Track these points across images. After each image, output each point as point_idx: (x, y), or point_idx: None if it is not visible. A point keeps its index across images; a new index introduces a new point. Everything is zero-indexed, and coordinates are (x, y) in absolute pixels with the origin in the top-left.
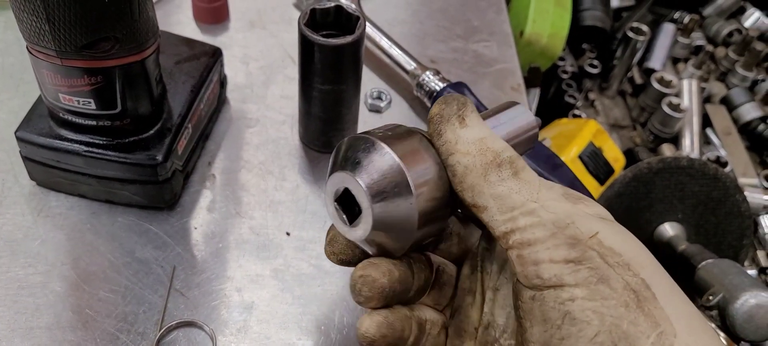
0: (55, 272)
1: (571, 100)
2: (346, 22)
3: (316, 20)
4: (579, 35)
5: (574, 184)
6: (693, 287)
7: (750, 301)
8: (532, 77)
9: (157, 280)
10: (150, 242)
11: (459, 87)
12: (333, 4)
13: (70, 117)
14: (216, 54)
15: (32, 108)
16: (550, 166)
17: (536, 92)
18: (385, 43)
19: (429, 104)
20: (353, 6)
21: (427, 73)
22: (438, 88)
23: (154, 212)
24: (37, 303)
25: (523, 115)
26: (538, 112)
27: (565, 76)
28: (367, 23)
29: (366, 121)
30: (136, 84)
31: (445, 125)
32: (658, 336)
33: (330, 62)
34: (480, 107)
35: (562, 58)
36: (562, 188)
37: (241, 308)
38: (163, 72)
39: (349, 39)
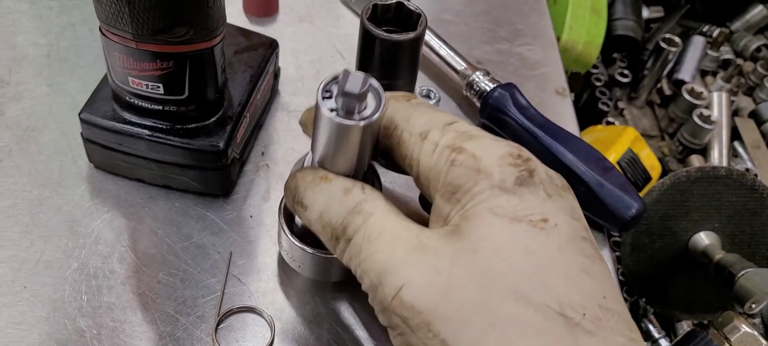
0: (114, 253)
1: (605, 108)
2: (407, 18)
3: (377, 15)
4: (610, 44)
5: (626, 187)
6: (733, 296)
7: None
8: (573, 83)
9: (215, 265)
10: (207, 228)
11: (509, 88)
12: (394, 1)
13: (136, 101)
14: (272, 46)
15: (95, 90)
16: (601, 169)
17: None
18: (435, 42)
19: (478, 104)
20: (413, 3)
21: (478, 73)
22: (488, 89)
23: (210, 199)
24: (98, 284)
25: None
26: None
27: (598, 83)
28: None
29: None
30: (204, 71)
31: (299, 213)
32: None
33: (389, 57)
34: (529, 107)
35: (595, 66)
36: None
37: (298, 297)
38: None
39: (411, 35)
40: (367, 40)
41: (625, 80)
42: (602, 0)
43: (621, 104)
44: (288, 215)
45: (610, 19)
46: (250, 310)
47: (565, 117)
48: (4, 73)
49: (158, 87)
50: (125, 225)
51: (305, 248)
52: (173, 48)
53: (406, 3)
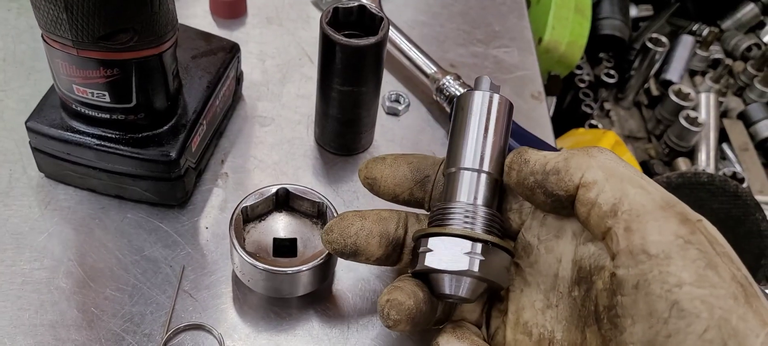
0: (61, 267)
1: (588, 110)
2: (369, 22)
3: (338, 19)
4: (596, 44)
5: None
6: None
7: None
8: (552, 85)
9: (166, 280)
10: (160, 241)
11: None
12: (356, 4)
13: (83, 109)
14: (233, 50)
15: (44, 98)
16: None
17: (552, 101)
18: (405, 45)
19: (448, 109)
20: (375, 6)
21: (448, 77)
22: (458, 93)
23: (165, 210)
24: (42, 299)
25: (493, 105)
26: (554, 121)
27: (582, 85)
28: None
29: (383, 125)
30: (152, 78)
31: (527, 154)
32: (767, 336)
33: (351, 63)
34: None
35: (579, 67)
36: None
37: (251, 312)
38: (179, 66)
39: (371, 40)
40: (327, 45)
41: (612, 81)
42: None
43: (607, 105)
44: (239, 230)
45: (597, 19)
46: (199, 327)
47: (540, 122)
48: None
49: (104, 95)
50: (74, 238)
51: (256, 263)
52: (117, 55)
53: (368, 6)
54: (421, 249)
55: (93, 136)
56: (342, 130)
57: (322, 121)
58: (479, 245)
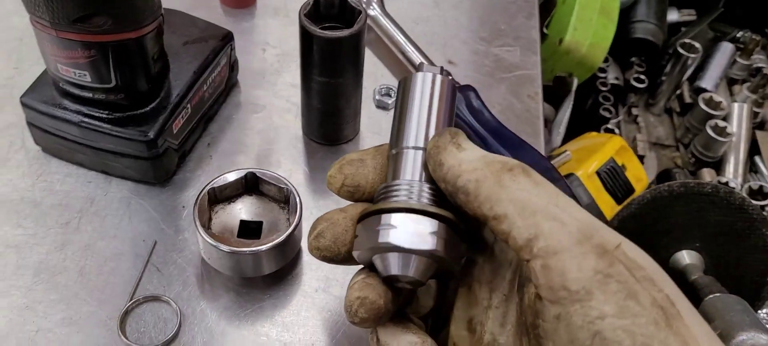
0: (42, 235)
1: (607, 114)
2: (350, 15)
3: (319, 11)
4: (628, 47)
5: None
6: None
7: (746, 342)
8: (559, 86)
9: (138, 254)
10: (137, 216)
11: (465, 90)
12: None
13: (69, 88)
14: (226, 38)
15: (40, 76)
16: (547, 179)
17: (569, 103)
18: (399, 38)
19: None
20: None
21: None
22: None
23: (148, 187)
24: (20, 263)
25: (436, 85)
26: (570, 124)
27: (604, 88)
28: (384, 17)
29: (371, 117)
30: (131, 61)
31: (444, 154)
32: None
33: (328, 55)
34: (484, 111)
35: (603, 70)
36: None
37: (213, 290)
38: (169, 51)
39: (346, 32)
40: (304, 37)
41: (642, 86)
42: (614, 1)
43: (635, 111)
44: (203, 210)
45: (630, 21)
46: (158, 299)
47: (532, 122)
48: None
49: (85, 75)
50: (57, 208)
51: (213, 242)
52: (93, 37)
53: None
54: (381, 225)
55: (78, 113)
56: (323, 120)
57: (306, 112)
58: (395, 216)
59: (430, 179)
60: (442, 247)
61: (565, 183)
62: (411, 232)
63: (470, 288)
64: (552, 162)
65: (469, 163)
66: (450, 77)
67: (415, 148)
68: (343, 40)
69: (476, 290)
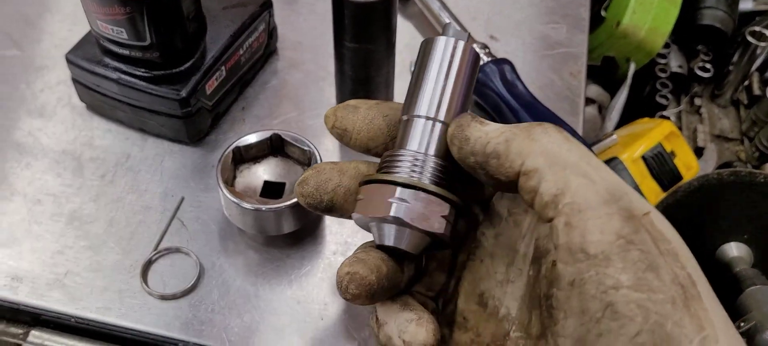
0: (78, 186)
1: (663, 102)
2: None
3: None
4: (695, 34)
5: None
6: (733, 311)
7: None
8: (607, 68)
9: (166, 209)
10: (168, 173)
11: (501, 63)
12: None
13: (108, 45)
14: (265, 5)
15: (85, 36)
16: None
17: (625, 88)
18: (436, 7)
19: None
20: None
21: (474, 46)
22: (480, 63)
23: (181, 146)
24: (55, 210)
25: (457, 53)
26: (625, 110)
27: (662, 75)
28: None
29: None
30: (166, 19)
31: (468, 130)
32: (701, 341)
33: (358, 21)
34: (518, 83)
35: (663, 56)
36: None
37: (233, 246)
38: (207, 14)
39: None
40: (336, 3)
41: (706, 75)
42: None
43: (698, 101)
44: (227, 168)
45: (698, 7)
46: (180, 251)
47: (572, 100)
48: (34, 18)
49: (122, 32)
50: (96, 162)
51: (239, 201)
52: None
53: None
54: (390, 196)
55: (117, 70)
56: (355, 88)
57: (338, 79)
58: (408, 191)
59: (438, 154)
60: (449, 231)
61: None
62: (421, 212)
63: (482, 262)
64: (597, 145)
65: (495, 131)
66: (473, 45)
67: (427, 118)
68: (374, 5)
69: (488, 264)
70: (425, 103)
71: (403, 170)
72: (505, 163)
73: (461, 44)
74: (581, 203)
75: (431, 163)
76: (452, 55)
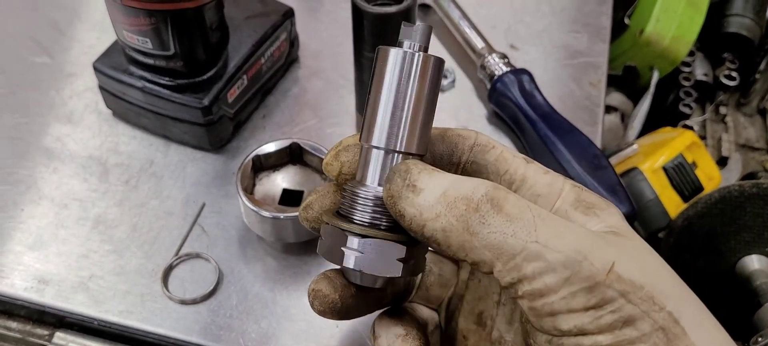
0: (103, 191)
1: (687, 110)
2: None
3: None
4: (721, 42)
5: (615, 189)
6: (751, 326)
7: None
8: (628, 77)
9: (188, 214)
10: (190, 179)
11: (520, 73)
12: None
13: (133, 54)
14: (287, 14)
15: (112, 44)
16: (592, 166)
17: (648, 97)
18: (456, 17)
19: (489, 87)
20: None
21: (494, 55)
22: (498, 73)
23: (203, 153)
24: (81, 215)
25: (414, 68)
26: (648, 119)
27: (687, 83)
28: None
29: None
30: (190, 30)
31: (401, 204)
32: None
33: (377, 30)
34: (536, 94)
35: (687, 64)
36: (573, 188)
37: (252, 252)
38: (230, 24)
39: (395, 8)
40: (356, 13)
41: (732, 84)
42: None
43: (723, 110)
44: (246, 176)
45: (724, 15)
46: (200, 257)
47: (591, 110)
48: (64, 25)
49: (146, 41)
50: (120, 167)
51: (258, 209)
52: (153, 5)
53: None
54: (345, 246)
55: (142, 78)
56: None
57: (358, 88)
58: (404, 249)
59: None
60: (406, 271)
61: (612, 171)
62: (374, 259)
63: (480, 281)
64: (618, 154)
65: (430, 209)
66: (432, 56)
67: (386, 150)
68: (392, 16)
69: (486, 284)
70: (383, 133)
71: (359, 213)
72: (449, 252)
73: (419, 57)
74: (541, 288)
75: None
76: (410, 71)
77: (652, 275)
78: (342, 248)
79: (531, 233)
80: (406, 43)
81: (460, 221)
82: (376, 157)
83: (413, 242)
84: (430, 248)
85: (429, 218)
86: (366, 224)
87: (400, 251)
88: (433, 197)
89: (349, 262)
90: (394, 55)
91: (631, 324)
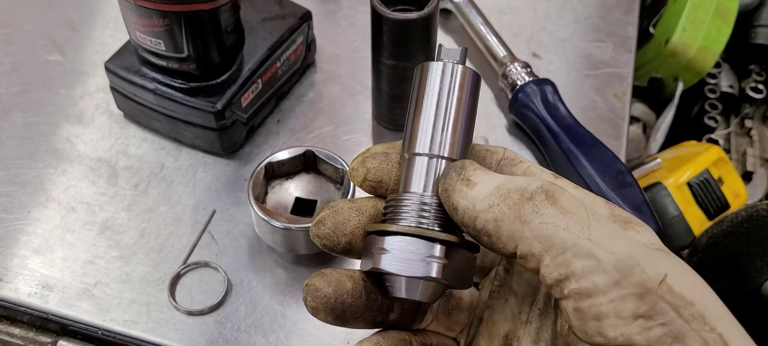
0: (111, 194)
1: (712, 123)
2: None
3: None
4: (748, 53)
5: (640, 206)
6: None
7: None
8: (654, 88)
9: (197, 221)
10: (201, 185)
11: (542, 84)
12: None
13: (146, 56)
14: (304, 17)
15: (124, 45)
16: (617, 183)
17: (672, 108)
18: (478, 23)
19: (510, 96)
20: None
21: (516, 64)
22: (521, 82)
23: (215, 158)
24: (88, 219)
25: (455, 79)
26: (671, 132)
27: (712, 95)
28: (468, 6)
29: None
30: (204, 32)
31: (455, 196)
32: None
33: (397, 37)
34: (559, 106)
35: (713, 75)
36: (606, 204)
37: (262, 262)
38: (246, 26)
39: (416, 14)
40: (375, 18)
41: (759, 96)
42: (732, 2)
43: (749, 123)
44: (258, 184)
45: (752, 25)
46: (209, 266)
47: (614, 122)
48: (78, 23)
49: (160, 43)
50: (130, 170)
51: (269, 219)
52: (167, 6)
53: None
54: (375, 248)
55: (154, 80)
56: (391, 105)
57: (375, 95)
58: (437, 247)
59: None
60: (442, 271)
61: (638, 188)
62: (404, 258)
63: (506, 301)
64: (640, 168)
65: (483, 201)
66: (471, 69)
67: (429, 155)
68: (413, 22)
69: (513, 303)
70: (422, 140)
71: (410, 218)
72: (498, 244)
73: (459, 68)
74: (589, 288)
75: (433, 203)
76: (451, 81)
77: (703, 294)
78: (372, 250)
79: (584, 230)
80: (444, 56)
81: (513, 210)
82: (420, 165)
83: (452, 245)
84: (476, 253)
85: (481, 209)
86: (398, 229)
87: (431, 248)
88: (487, 190)
89: (378, 262)
90: (436, 67)
91: (681, 341)
